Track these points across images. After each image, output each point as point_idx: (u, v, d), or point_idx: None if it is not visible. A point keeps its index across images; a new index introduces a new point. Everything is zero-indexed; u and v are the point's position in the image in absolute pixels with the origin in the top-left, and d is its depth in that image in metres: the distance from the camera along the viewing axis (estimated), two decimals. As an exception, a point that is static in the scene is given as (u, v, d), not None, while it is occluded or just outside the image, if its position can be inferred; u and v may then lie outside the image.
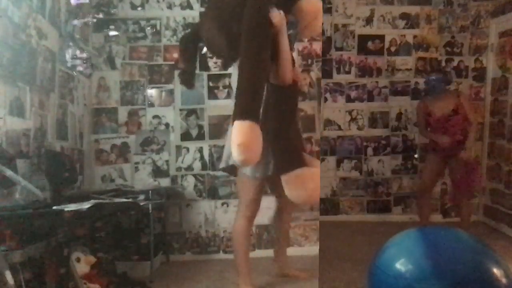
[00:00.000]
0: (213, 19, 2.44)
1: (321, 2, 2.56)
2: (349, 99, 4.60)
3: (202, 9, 3.33)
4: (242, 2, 2.27)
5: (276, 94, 2.46)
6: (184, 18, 3.37)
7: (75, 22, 3.02)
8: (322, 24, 3.76)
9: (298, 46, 3.41)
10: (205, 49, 2.97)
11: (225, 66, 3.01)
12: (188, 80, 2.89)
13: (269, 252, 3.36)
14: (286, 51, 2.38)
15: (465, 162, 3.77)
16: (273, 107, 2.45)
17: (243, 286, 2.66)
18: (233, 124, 2.13)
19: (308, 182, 2.38)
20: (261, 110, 2.35)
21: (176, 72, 3.37)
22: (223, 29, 2.37)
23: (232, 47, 2.37)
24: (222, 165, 2.68)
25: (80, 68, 3.14)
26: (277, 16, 2.30)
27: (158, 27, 3.37)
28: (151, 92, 3.41)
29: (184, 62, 2.88)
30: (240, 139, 2.05)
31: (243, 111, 2.12)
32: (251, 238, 2.80)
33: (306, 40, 3.40)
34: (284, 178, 2.40)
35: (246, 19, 2.23)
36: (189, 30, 2.85)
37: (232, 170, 2.69)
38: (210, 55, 3.27)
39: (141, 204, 2.82)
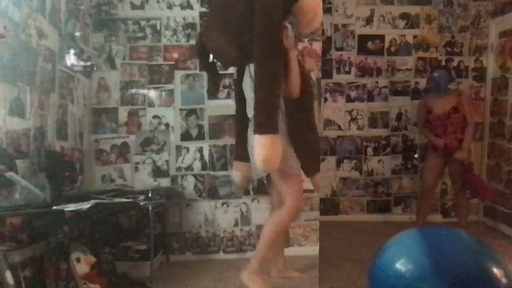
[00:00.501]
0: (220, 30, 2.46)
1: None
2: (349, 99, 4.60)
3: (203, 9, 3.34)
4: (249, 11, 2.29)
5: (292, 101, 2.55)
6: (184, 18, 3.37)
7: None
8: (322, 24, 3.76)
9: (298, 46, 3.41)
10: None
11: (226, 67, 3.06)
12: (214, 90, 3.12)
13: (269, 252, 3.37)
14: (295, 66, 2.45)
15: (461, 163, 3.79)
16: (291, 113, 2.55)
17: (256, 275, 2.61)
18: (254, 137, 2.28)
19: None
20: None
21: (177, 72, 3.38)
22: (233, 40, 2.42)
23: (243, 56, 2.45)
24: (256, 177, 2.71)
25: (80, 68, 3.14)
26: (292, 33, 2.38)
27: (158, 27, 3.37)
28: (151, 92, 3.41)
29: (208, 71, 3.00)
30: (263, 154, 2.22)
31: (262, 125, 2.25)
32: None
33: (306, 40, 3.41)
34: (312, 180, 2.76)
35: (258, 34, 2.27)
36: (197, 41, 2.88)
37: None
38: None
39: (141, 204, 2.81)
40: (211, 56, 2.82)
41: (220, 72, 3.05)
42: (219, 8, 2.58)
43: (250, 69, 2.48)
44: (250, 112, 2.55)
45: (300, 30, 2.52)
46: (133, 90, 3.39)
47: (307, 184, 3.42)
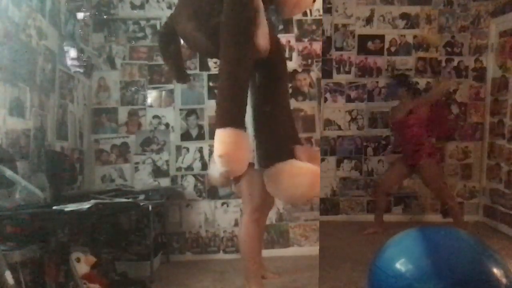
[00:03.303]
0: (189, 18, 2.24)
1: None
2: (349, 99, 4.59)
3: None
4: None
5: (259, 79, 2.27)
6: (184, 18, 3.36)
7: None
8: (322, 24, 3.76)
9: (298, 46, 3.42)
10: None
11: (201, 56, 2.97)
12: (181, 76, 2.81)
13: (269, 252, 3.37)
14: (262, 19, 2.13)
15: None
16: (257, 95, 2.27)
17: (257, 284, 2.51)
18: None
19: (288, 177, 2.11)
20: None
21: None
22: (202, 28, 2.20)
23: (213, 44, 2.20)
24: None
25: (80, 68, 3.14)
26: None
27: (158, 27, 3.36)
28: (151, 92, 3.41)
29: (167, 60, 2.76)
30: (222, 150, 1.89)
31: (224, 118, 1.95)
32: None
33: (306, 39, 3.41)
34: (265, 174, 2.19)
35: (225, 18, 2.03)
36: (164, 26, 2.65)
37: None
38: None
39: (141, 204, 2.81)
40: (175, 41, 2.58)
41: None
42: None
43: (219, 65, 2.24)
44: None
45: (288, 11, 2.37)
46: (133, 90, 3.39)
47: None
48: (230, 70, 2.00)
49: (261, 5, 2.11)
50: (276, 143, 2.21)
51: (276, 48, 2.33)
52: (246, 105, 2.08)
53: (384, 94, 4.59)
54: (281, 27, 3.33)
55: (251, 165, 2.21)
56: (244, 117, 2.04)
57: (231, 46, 2.01)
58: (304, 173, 2.07)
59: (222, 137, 1.91)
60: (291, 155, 2.18)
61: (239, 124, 1.95)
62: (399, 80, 4.13)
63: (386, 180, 4.20)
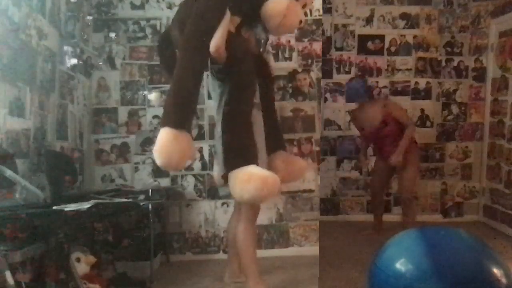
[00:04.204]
0: (178, 26, 2.40)
1: (288, 0, 2.39)
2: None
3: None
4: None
5: (227, 87, 2.38)
6: (184, 18, 3.36)
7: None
8: (322, 24, 3.75)
9: (298, 46, 3.42)
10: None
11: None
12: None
13: (269, 252, 3.37)
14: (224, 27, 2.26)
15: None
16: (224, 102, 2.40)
17: (259, 284, 2.54)
18: None
19: (238, 182, 2.22)
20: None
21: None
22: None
23: None
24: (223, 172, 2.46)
25: (80, 68, 3.14)
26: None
27: (158, 27, 3.37)
28: (151, 92, 3.41)
29: (163, 64, 2.88)
30: (155, 147, 2.11)
31: (164, 118, 2.16)
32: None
33: (306, 40, 3.41)
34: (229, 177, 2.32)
35: (187, 27, 2.22)
36: (164, 31, 2.86)
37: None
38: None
39: (141, 204, 2.81)
40: (171, 47, 2.70)
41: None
42: (181, 4, 2.58)
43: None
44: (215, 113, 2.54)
45: (274, 30, 2.49)
46: (133, 90, 3.39)
47: (307, 184, 3.43)
48: (180, 75, 2.18)
49: (225, 18, 2.26)
50: (235, 151, 2.33)
51: (242, 57, 2.38)
52: (193, 109, 2.28)
53: (384, 94, 4.60)
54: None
55: None
56: (188, 120, 2.21)
57: (185, 51, 2.22)
58: (253, 179, 2.18)
59: (159, 135, 2.11)
60: (252, 161, 2.28)
61: (178, 125, 2.11)
62: (364, 82, 4.12)
63: (374, 181, 4.14)
